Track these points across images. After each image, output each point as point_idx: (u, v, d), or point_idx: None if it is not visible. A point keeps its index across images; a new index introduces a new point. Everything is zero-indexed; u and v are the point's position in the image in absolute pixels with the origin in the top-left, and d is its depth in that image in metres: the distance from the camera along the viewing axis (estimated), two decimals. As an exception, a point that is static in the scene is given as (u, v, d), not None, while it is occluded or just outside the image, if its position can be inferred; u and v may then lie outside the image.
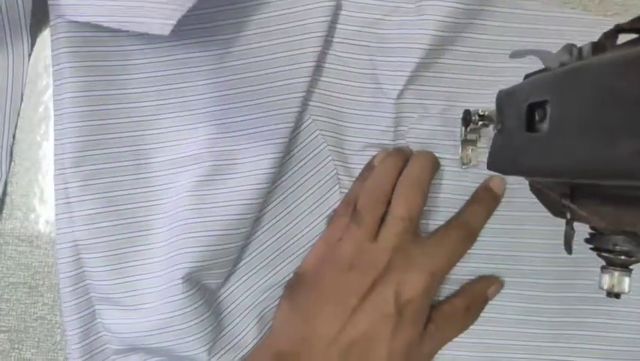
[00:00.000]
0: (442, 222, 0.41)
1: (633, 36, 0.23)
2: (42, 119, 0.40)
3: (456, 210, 0.41)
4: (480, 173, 0.41)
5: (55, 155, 0.37)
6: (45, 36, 0.40)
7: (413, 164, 0.39)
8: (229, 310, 0.40)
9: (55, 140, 0.37)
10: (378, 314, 0.36)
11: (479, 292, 0.40)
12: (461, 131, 0.41)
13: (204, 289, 0.38)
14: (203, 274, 0.37)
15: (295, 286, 0.39)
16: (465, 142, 0.41)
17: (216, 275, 0.38)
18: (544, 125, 0.26)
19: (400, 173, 0.39)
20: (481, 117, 0.38)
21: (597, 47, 0.26)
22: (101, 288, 0.37)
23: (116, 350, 0.38)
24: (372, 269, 0.36)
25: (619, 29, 0.25)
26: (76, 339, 0.38)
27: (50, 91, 0.39)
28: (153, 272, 0.37)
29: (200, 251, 0.36)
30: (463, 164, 0.41)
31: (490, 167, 0.34)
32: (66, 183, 0.37)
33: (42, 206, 0.40)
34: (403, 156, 0.40)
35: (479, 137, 0.41)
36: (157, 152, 0.38)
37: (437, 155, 0.41)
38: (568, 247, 0.28)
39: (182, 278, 0.36)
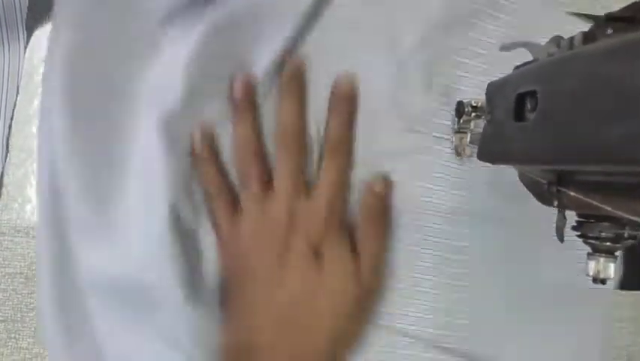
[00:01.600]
0: (434, 215, 0.41)
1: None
2: (37, 112, 0.40)
3: (449, 201, 0.42)
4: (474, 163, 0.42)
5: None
6: (41, 31, 0.40)
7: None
8: (211, 256, 0.38)
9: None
10: (300, 271, 0.35)
11: None
12: (455, 122, 0.41)
13: (186, 230, 0.36)
14: (185, 208, 0.36)
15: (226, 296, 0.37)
16: (458, 133, 0.42)
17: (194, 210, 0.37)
18: (533, 115, 0.27)
19: None
20: (474, 108, 0.39)
21: (588, 36, 0.27)
22: (78, 220, 0.37)
23: (89, 292, 0.37)
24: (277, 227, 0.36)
25: (609, 18, 0.25)
26: (47, 280, 0.37)
27: (46, 83, 0.40)
28: (133, 205, 0.36)
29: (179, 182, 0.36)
30: (458, 154, 0.42)
31: (480, 156, 0.34)
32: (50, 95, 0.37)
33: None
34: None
35: (472, 127, 0.41)
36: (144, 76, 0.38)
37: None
38: (559, 234, 0.28)
39: (163, 211, 0.35)
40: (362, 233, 0.37)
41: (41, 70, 0.40)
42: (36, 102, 0.40)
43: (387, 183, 0.37)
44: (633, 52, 0.20)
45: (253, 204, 0.36)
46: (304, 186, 0.36)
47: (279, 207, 0.36)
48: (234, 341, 0.35)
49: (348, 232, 0.37)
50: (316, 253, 0.35)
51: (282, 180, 0.36)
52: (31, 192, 0.40)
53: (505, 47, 0.36)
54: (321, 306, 0.35)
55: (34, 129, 0.40)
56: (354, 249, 0.36)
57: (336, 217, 0.36)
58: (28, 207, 0.40)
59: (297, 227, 0.35)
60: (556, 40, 0.29)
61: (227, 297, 0.37)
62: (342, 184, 0.37)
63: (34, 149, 0.40)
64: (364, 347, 0.37)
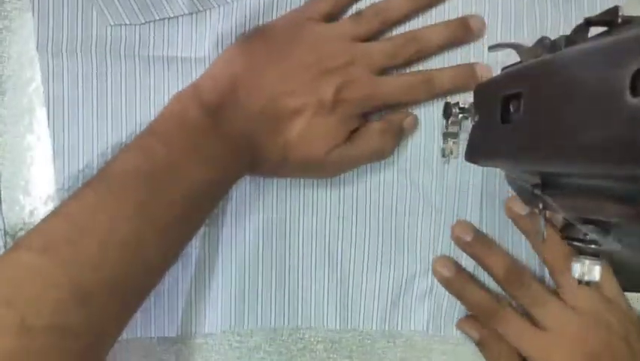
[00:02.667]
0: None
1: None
2: (26, 111, 0.40)
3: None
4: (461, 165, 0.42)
5: None
6: (29, 30, 0.40)
7: None
8: None
9: None
10: (314, 98, 0.36)
11: (396, 120, 0.41)
12: (443, 123, 0.41)
13: None
14: None
15: (253, 37, 0.38)
16: (446, 135, 0.42)
17: None
18: (517, 116, 0.27)
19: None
20: (462, 110, 0.39)
21: (570, 40, 0.27)
22: None
23: None
24: (332, 58, 0.37)
25: (588, 22, 0.25)
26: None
27: (34, 84, 0.40)
28: None
29: None
30: (444, 156, 0.42)
31: (467, 158, 0.34)
32: None
33: (27, 198, 0.40)
34: None
35: (460, 129, 0.41)
36: None
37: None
38: (540, 234, 0.29)
39: None
40: None
41: (30, 70, 0.40)
42: (24, 101, 0.40)
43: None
44: (610, 56, 0.20)
45: (340, 31, 0.38)
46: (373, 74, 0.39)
47: (348, 50, 0.38)
48: (224, 87, 0.36)
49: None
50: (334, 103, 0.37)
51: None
52: (19, 193, 0.40)
53: (492, 48, 0.36)
54: (327, 94, 0.37)
55: (23, 129, 0.40)
56: None
57: (380, 94, 0.39)
58: (17, 208, 0.40)
59: (342, 74, 0.37)
60: (543, 41, 0.29)
61: (247, 39, 0.38)
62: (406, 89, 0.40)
63: (23, 149, 0.40)
64: None
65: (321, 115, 0.36)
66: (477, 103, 0.34)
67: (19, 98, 0.40)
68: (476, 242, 0.41)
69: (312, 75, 0.37)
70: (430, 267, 0.43)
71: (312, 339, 0.43)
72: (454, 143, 0.42)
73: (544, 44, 0.29)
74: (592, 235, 0.27)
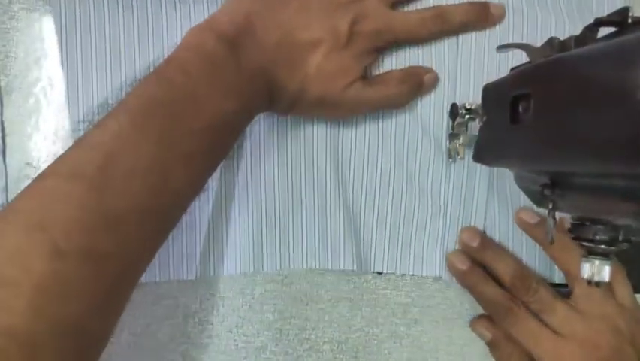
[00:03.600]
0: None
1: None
2: (32, 111, 0.40)
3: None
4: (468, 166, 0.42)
5: None
6: (36, 30, 0.40)
7: None
8: None
9: None
10: (329, 31, 0.36)
11: (416, 72, 0.41)
12: (449, 124, 0.41)
13: None
14: None
15: None
16: (452, 135, 0.41)
17: None
18: (527, 117, 0.27)
19: None
20: (468, 111, 0.39)
21: (579, 40, 0.27)
22: None
23: None
24: None
25: (598, 22, 0.25)
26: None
27: (41, 84, 0.40)
28: None
29: None
30: (450, 157, 0.42)
31: (476, 159, 0.34)
32: None
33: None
34: None
35: (466, 130, 0.41)
36: None
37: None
38: (549, 236, 0.28)
39: None
40: None
41: (36, 70, 0.40)
42: (31, 101, 0.39)
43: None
44: (622, 55, 0.20)
45: None
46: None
47: None
48: (241, 18, 0.35)
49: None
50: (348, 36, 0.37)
51: None
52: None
53: (501, 48, 0.36)
54: (343, 30, 0.37)
55: (29, 129, 0.40)
56: None
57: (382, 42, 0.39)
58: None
59: (358, 7, 0.37)
60: (552, 42, 0.29)
61: None
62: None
63: (29, 149, 0.40)
64: None
65: (336, 50, 0.37)
66: (485, 103, 0.33)
67: (25, 98, 0.40)
68: (483, 248, 0.41)
69: (327, 9, 0.37)
70: (442, 211, 0.43)
71: (319, 340, 0.43)
72: (460, 144, 0.41)
73: (554, 45, 0.28)
74: (601, 235, 0.26)
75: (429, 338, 0.43)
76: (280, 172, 0.41)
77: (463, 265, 0.41)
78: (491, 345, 0.42)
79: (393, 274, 0.43)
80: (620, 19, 0.24)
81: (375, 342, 0.43)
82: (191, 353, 0.42)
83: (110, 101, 0.39)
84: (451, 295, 0.44)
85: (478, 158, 0.33)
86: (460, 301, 0.43)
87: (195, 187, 0.34)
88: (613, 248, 0.27)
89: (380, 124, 0.42)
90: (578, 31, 0.26)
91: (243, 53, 0.34)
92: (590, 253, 0.27)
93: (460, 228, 0.43)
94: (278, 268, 0.42)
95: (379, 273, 0.43)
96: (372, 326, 0.43)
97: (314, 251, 0.42)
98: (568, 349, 0.38)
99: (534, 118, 0.26)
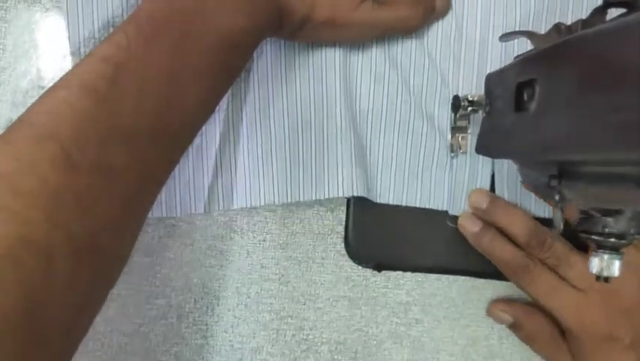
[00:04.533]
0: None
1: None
2: (21, 104, 0.38)
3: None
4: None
5: None
6: (25, 21, 0.39)
7: None
8: None
9: None
10: None
11: None
12: (450, 117, 0.40)
13: None
14: None
15: None
16: (455, 129, 0.40)
17: None
18: (533, 104, 0.26)
19: None
20: (471, 102, 0.38)
21: (586, 23, 0.25)
22: None
23: None
24: None
25: (607, 4, 0.24)
26: None
27: (30, 77, 0.38)
28: None
29: None
30: (452, 151, 0.40)
31: (478, 150, 0.33)
32: None
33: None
34: None
35: (469, 123, 0.40)
36: None
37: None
38: (557, 228, 0.27)
39: None
40: None
41: (24, 62, 0.39)
42: (19, 96, 0.38)
43: None
44: (633, 33, 0.19)
45: None
46: None
47: None
48: None
49: None
50: None
51: None
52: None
53: (505, 37, 0.34)
54: None
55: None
56: None
57: None
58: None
59: None
60: (557, 28, 0.28)
61: None
62: None
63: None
64: None
65: None
66: (488, 92, 0.32)
67: (14, 91, 0.39)
68: (494, 207, 0.39)
69: None
70: (449, 143, 0.41)
71: (317, 340, 0.41)
72: (462, 138, 0.40)
73: (560, 30, 0.27)
74: (611, 228, 0.25)
75: (430, 338, 0.42)
76: (289, 99, 0.40)
77: (474, 226, 0.39)
78: (514, 327, 0.41)
79: (393, 272, 0.42)
80: (629, -1, 0.23)
81: (375, 342, 0.42)
82: (185, 354, 0.41)
83: (111, 22, 0.38)
84: (453, 294, 0.42)
85: (482, 149, 0.32)
86: (463, 301, 0.42)
87: (206, 108, 0.33)
88: (623, 242, 0.26)
89: (388, 51, 0.41)
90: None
91: None
92: (600, 247, 0.26)
93: (468, 164, 0.41)
94: (289, 200, 0.40)
95: (379, 271, 0.42)
96: (371, 326, 0.42)
97: (323, 179, 0.40)
98: (588, 301, 0.37)
99: (541, 105, 0.25)
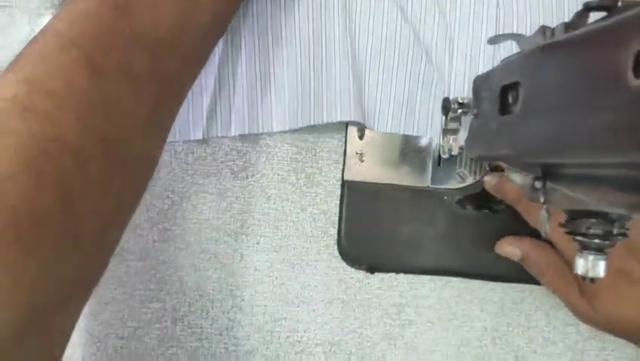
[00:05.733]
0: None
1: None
2: None
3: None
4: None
5: None
6: (6, 16, 0.39)
7: None
8: None
9: None
10: None
11: None
12: (442, 120, 0.40)
13: None
14: None
15: None
16: (446, 131, 0.40)
17: None
18: (516, 107, 0.26)
19: None
20: (461, 105, 0.38)
21: (569, 27, 0.26)
22: None
23: None
24: None
25: (588, 8, 0.24)
26: None
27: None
28: None
29: None
30: (444, 153, 0.41)
31: (467, 152, 0.33)
32: None
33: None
34: None
35: (460, 125, 0.40)
36: None
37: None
38: (543, 230, 0.27)
39: None
40: None
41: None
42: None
43: None
44: (610, 37, 0.19)
45: None
46: None
47: None
48: None
49: None
50: None
51: None
52: None
53: (492, 40, 0.35)
54: None
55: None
56: None
57: None
58: None
59: None
60: (544, 30, 0.28)
61: None
62: None
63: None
64: None
65: None
66: (475, 95, 0.33)
67: None
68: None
69: None
70: (447, 77, 0.42)
71: (310, 342, 0.42)
72: (453, 140, 0.40)
73: (545, 33, 0.28)
74: (595, 229, 0.25)
75: (423, 339, 0.42)
76: (287, 33, 0.41)
77: (493, 180, 0.40)
78: (523, 260, 0.40)
79: (386, 273, 0.42)
80: (609, 3, 0.23)
81: (369, 344, 0.42)
82: (180, 357, 0.41)
83: None
84: (447, 295, 0.42)
85: (470, 150, 0.33)
86: (456, 302, 0.42)
87: (219, 22, 0.35)
88: (607, 242, 0.26)
89: None
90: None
91: None
92: (584, 248, 0.26)
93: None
94: (286, 127, 0.41)
95: (372, 273, 0.42)
96: (365, 328, 0.42)
97: (321, 106, 0.40)
98: None
99: (523, 107, 0.25)
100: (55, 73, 0.26)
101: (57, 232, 0.25)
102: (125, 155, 0.29)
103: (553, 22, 0.41)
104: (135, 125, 0.29)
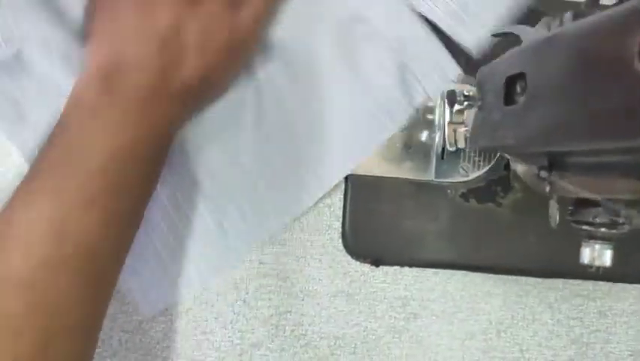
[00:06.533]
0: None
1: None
2: None
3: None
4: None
5: None
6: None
7: None
8: None
9: None
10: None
11: None
12: (447, 112, 0.40)
13: None
14: None
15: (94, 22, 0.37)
16: (451, 124, 0.40)
17: None
18: (522, 97, 0.26)
19: None
20: (466, 97, 0.38)
21: (578, 15, 0.26)
22: None
23: None
24: None
25: (596, -4, 0.24)
26: None
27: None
28: None
29: None
30: (450, 146, 0.41)
31: (472, 144, 0.33)
32: None
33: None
34: None
35: (465, 118, 0.40)
36: None
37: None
38: (552, 220, 0.27)
39: None
40: None
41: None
42: None
43: None
44: (617, 24, 0.19)
45: None
46: None
47: None
48: (103, 61, 0.34)
49: None
50: None
51: None
52: None
53: (497, 35, 0.35)
54: (189, 41, 0.34)
55: None
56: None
57: None
58: None
59: None
60: (547, 22, 0.28)
61: (95, 22, 0.36)
62: None
63: None
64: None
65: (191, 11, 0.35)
66: (480, 86, 0.33)
67: None
68: None
69: None
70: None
71: (315, 335, 0.42)
72: (458, 132, 0.41)
73: (549, 24, 0.28)
74: (602, 218, 0.25)
75: (428, 332, 0.42)
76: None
77: None
78: None
79: (391, 267, 0.42)
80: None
81: (374, 337, 0.42)
82: (185, 350, 0.41)
83: None
84: (451, 288, 0.43)
85: (474, 141, 0.33)
86: (460, 295, 0.42)
87: (125, 221, 0.35)
88: (614, 231, 0.26)
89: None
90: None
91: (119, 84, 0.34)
92: (591, 238, 0.26)
93: None
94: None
95: (376, 266, 0.42)
96: (370, 321, 0.42)
97: (287, 203, 0.41)
98: None
99: (529, 98, 0.25)
100: None
101: None
102: None
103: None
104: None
